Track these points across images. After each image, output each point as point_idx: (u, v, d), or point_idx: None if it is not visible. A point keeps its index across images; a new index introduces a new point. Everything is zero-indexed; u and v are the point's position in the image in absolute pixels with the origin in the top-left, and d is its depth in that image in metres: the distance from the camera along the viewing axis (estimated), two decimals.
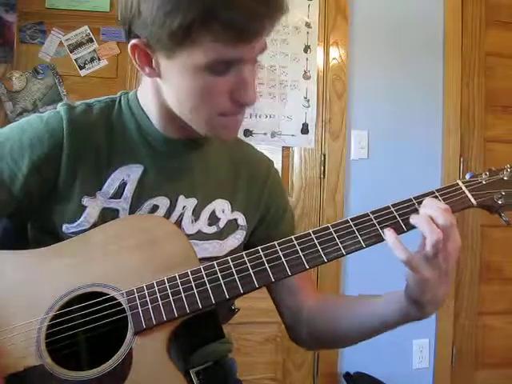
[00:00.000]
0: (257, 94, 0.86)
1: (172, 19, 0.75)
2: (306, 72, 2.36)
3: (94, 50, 2.20)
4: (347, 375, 2.32)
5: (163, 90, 0.88)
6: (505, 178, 0.90)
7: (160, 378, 0.77)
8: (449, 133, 2.46)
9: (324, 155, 2.37)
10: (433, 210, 0.80)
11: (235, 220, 1.01)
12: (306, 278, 1.06)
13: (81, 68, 2.19)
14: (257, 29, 0.78)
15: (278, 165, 2.32)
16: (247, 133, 2.29)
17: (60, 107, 0.93)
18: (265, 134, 2.32)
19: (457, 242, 0.80)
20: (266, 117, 2.31)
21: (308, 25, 2.36)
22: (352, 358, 2.35)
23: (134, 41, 0.83)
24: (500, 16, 2.54)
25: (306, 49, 2.36)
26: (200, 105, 0.84)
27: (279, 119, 2.33)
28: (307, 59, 2.36)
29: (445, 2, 2.46)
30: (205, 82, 0.81)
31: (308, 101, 2.36)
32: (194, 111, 0.86)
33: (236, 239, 1.01)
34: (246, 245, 1.04)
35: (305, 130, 2.35)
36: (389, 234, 0.81)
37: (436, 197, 0.86)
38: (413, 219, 0.82)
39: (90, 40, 2.19)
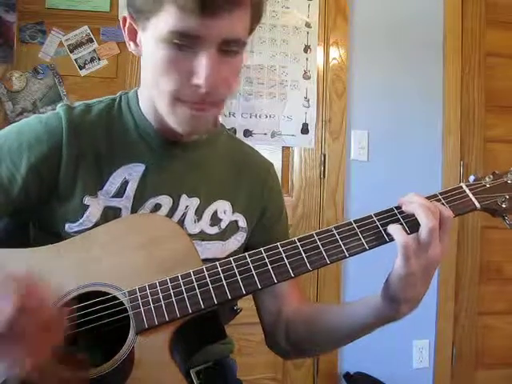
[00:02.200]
0: (215, 82, 0.82)
1: None
2: (306, 72, 2.36)
3: (94, 50, 2.19)
4: (347, 375, 2.32)
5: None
6: (509, 182, 0.89)
7: (161, 377, 0.77)
8: (449, 133, 2.46)
9: (324, 155, 2.37)
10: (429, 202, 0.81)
11: (236, 222, 1.02)
12: (293, 285, 1.05)
13: (81, 68, 2.18)
14: (215, 1, 0.77)
15: (278, 165, 2.32)
16: (247, 133, 2.29)
17: (59, 108, 0.93)
18: (265, 134, 2.32)
19: (445, 247, 0.81)
20: (266, 117, 2.31)
21: (308, 25, 2.36)
22: (352, 358, 2.35)
23: (124, 14, 0.87)
24: (500, 16, 2.54)
25: (306, 49, 2.36)
26: (159, 79, 0.84)
27: (279, 119, 2.33)
28: (307, 59, 2.36)
29: (445, 1, 2.46)
30: (166, 54, 0.81)
31: (308, 101, 2.36)
32: (156, 88, 0.85)
33: (237, 241, 1.01)
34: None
35: (305, 129, 2.35)
36: (394, 224, 0.82)
37: (439, 200, 0.86)
38: (406, 206, 0.82)
39: (90, 40, 2.19)
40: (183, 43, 0.80)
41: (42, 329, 0.68)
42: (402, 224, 0.83)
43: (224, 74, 0.83)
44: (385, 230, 0.83)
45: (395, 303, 0.83)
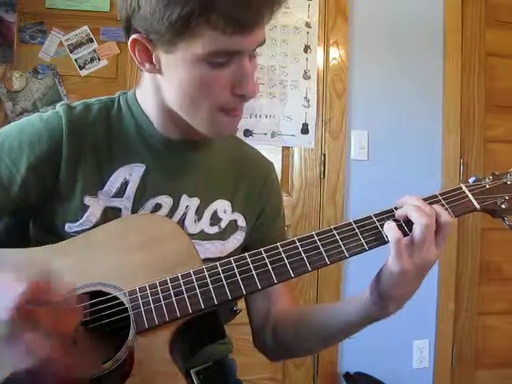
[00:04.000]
0: (257, 86, 0.86)
1: (171, 10, 0.76)
2: (306, 72, 2.36)
3: (94, 50, 2.19)
4: (347, 375, 2.32)
5: (163, 87, 0.88)
6: (508, 183, 0.89)
7: (161, 377, 0.76)
8: (449, 132, 2.47)
9: (324, 155, 2.38)
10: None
11: (235, 221, 1.02)
12: (286, 288, 1.05)
13: (81, 68, 2.19)
14: (255, 20, 0.79)
15: (277, 165, 2.32)
16: (247, 133, 2.29)
17: (59, 107, 0.93)
18: (265, 134, 2.32)
19: (442, 251, 0.81)
20: (266, 117, 2.31)
21: (308, 25, 2.36)
22: (352, 358, 2.35)
23: (134, 36, 0.83)
24: (500, 16, 2.55)
25: (306, 49, 2.36)
26: (200, 98, 0.84)
27: (279, 119, 2.33)
28: (307, 59, 2.36)
29: (445, 1, 2.46)
30: (204, 75, 0.81)
31: (308, 101, 2.36)
32: (195, 106, 0.86)
33: (236, 240, 1.01)
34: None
35: (305, 129, 2.35)
36: (389, 222, 0.82)
37: (439, 200, 0.86)
38: (399, 210, 0.83)
39: (90, 40, 2.19)
40: (222, 60, 0.81)
41: (57, 311, 0.67)
42: (401, 224, 0.82)
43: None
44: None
45: (382, 300, 0.83)
